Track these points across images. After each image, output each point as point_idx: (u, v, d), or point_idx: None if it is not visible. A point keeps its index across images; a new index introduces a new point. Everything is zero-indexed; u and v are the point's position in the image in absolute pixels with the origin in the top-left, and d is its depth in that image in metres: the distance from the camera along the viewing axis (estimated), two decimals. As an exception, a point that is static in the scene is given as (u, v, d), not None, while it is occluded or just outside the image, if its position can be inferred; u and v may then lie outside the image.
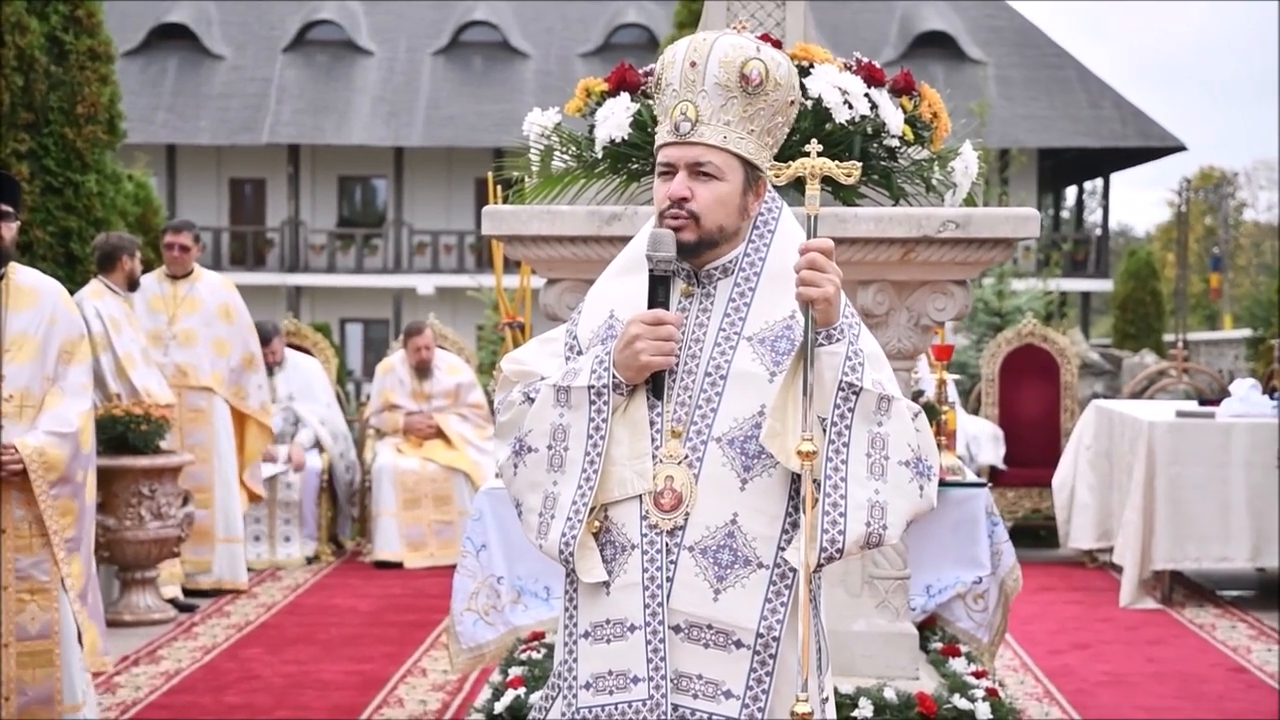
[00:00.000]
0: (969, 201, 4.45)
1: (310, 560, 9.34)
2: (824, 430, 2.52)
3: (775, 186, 2.69)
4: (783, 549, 2.57)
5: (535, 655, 4.53)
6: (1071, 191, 36.57)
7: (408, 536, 9.27)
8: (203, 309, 8.32)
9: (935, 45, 31.02)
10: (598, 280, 2.80)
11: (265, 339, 8.95)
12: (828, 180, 2.58)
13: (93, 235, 8.43)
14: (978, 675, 4.47)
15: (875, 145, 4.30)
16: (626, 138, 4.25)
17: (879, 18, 31.67)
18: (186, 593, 8.02)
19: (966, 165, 4.36)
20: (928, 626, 4.87)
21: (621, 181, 4.40)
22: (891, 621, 4.53)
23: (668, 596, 2.56)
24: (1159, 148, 30.81)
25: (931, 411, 5.41)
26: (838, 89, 4.20)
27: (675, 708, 2.56)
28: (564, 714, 2.64)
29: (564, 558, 2.59)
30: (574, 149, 4.46)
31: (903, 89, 4.45)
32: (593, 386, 2.60)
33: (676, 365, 2.62)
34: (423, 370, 9.71)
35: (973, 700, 4.25)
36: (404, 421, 9.61)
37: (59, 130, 8.68)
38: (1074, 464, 9.11)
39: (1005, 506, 9.80)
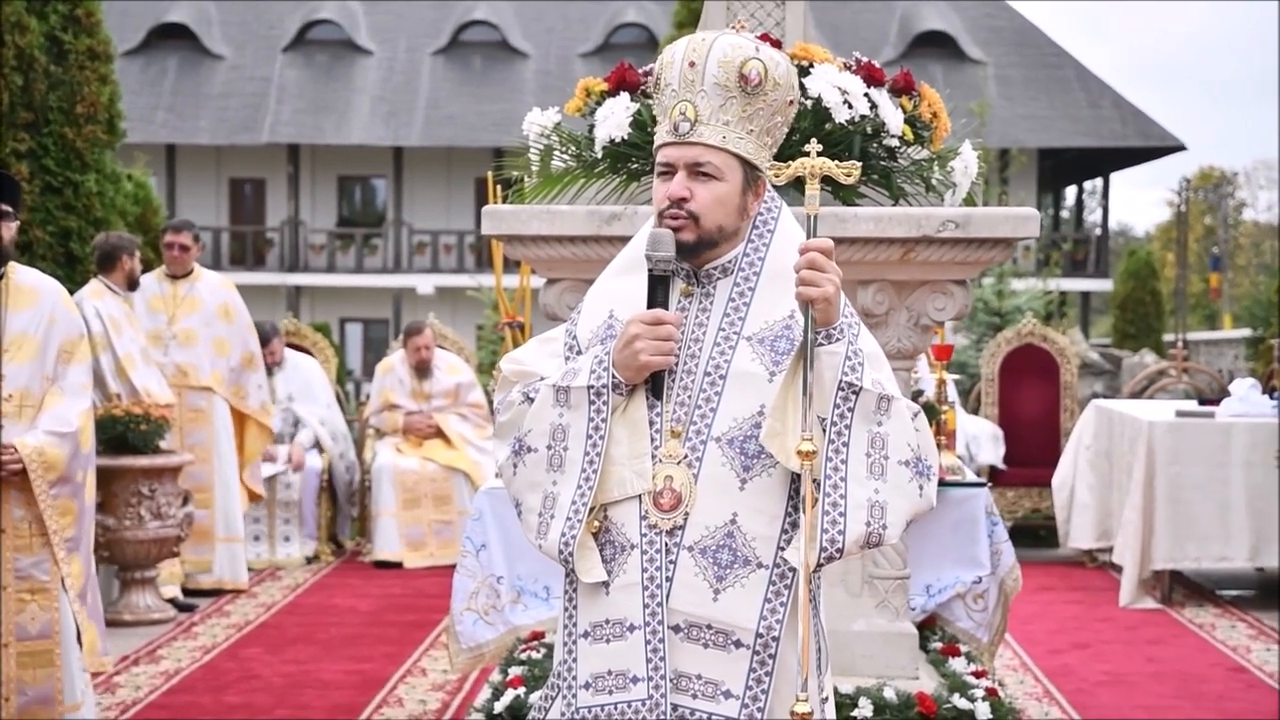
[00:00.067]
0: (969, 201, 4.45)
1: (310, 560, 9.34)
2: (824, 430, 2.52)
3: (775, 186, 2.69)
4: (782, 549, 2.57)
5: (535, 655, 4.53)
6: (1071, 191, 36.58)
7: (407, 536, 9.27)
8: (202, 309, 8.32)
9: (935, 45, 31.03)
10: (597, 280, 2.80)
11: (264, 339, 8.95)
12: (827, 180, 2.58)
13: (92, 235, 8.43)
14: (977, 675, 4.47)
15: (875, 145, 4.30)
16: (626, 137, 4.25)
17: (879, 17, 31.68)
18: (186, 592, 8.02)
19: (966, 165, 4.37)
20: (927, 626, 4.87)
21: (621, 181, 4.40)
22: (891, 621, 4.53)
23: (667, 596, 2.56)
24: (1159, 147, 30.82)
25: (931, 411, 5.41)
26: (837, 89, 4.20)
27: (675, 707, 2.56)
28: (563, 714, 2.64)
29: (563, 558, 2.59)
30: (574, 149, 4.46)
31: (902, 89, 4.46)
32: (592, 386, 2.60)
33: (676, 365, 2.61)
34: (422, 370, 9.71)
35: (972, 700, 4.25)
36: (404, 421, 9.61)
37: (58, 130, 8.68)
38: (1074, 464, 9.11)
39: (1005, 506, 9.80)
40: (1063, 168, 33.36)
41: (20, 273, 4.53)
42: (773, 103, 2.63)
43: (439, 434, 9.59)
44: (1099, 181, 34.64)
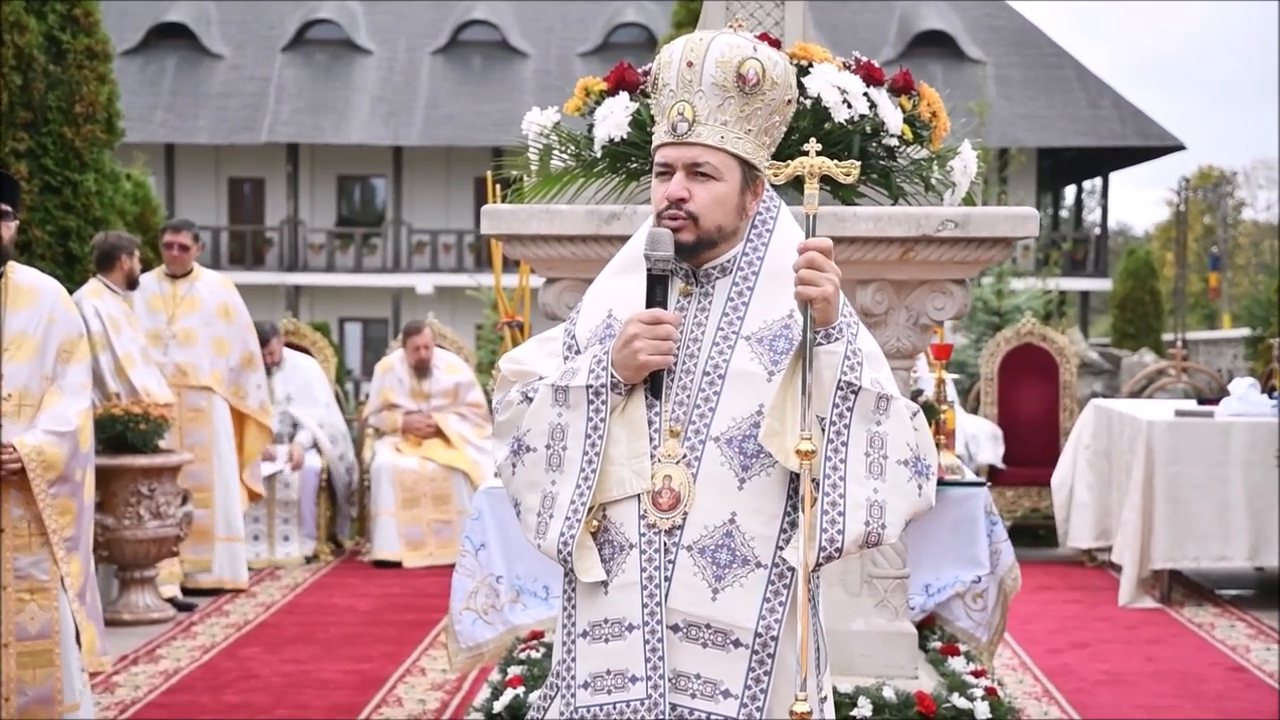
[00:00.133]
0: (968, 201, 4.45)
1: (309, 559, 9.34)
2: (822, 429, 2.52)
3: (774, 186, 2.69)
4: (781, 548, 2.57)
5: (534, 654, 4.53)
6: (1070, 191, 36.59)
7: (406, 536, 9.27)
8: (202, 308, 8.32)
9: (934, 44, 31.03)
10: (596, 280, 2.80)
11: (263, 339, 8.94)
12: (826, 179, 2.58)
13: (91, 234, 8.43)
14: (976, 674, 4.47)
15: (874, 144, 4.30)
16: (625, 137, 4.25)
17: (878, 17, 31.68)
18: (187, 592, 8.02)
19: (965, 164, 4.37)
20: (927, 626, 4.87)
21: (620, 181, 4.40)
22: (890, 621, 4.53)
23: (666, 596, 2.55)
24: (1158, 147, 30.82)
25: (930, 410, 5.41)
26: (836, 88, 4.20)
27: (673, 707, 2.56)
28: (562, 713, 2.64)
29: (562, 557, 2.59)
30: (573, 148, 4.46)
31: (902, 88, 4.46)
32: (591, 386, 2.60)
33: (675, 365, 2.61)
34: (422, 369, 9.70)
35: (971, 699, 4.25)
36: (403, 421, 9.61)
37: (57, 129, 8.68)
38: (1073, 463, 9.11)
39: (1004, 506, 9.80)
40: (1062, 167, 33.37)
41: (19, 272, 4.53)
42: (771, 102, 2.62)
43: (438, 433, 9.59)
44: (1098, 181, 34.66)
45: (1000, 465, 10.04)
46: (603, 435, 2.59)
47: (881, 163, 4.35)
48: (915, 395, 5.52)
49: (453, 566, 4.96)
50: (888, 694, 4.17)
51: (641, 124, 4.21)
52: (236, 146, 30.49)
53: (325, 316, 27.24)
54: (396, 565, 9.14)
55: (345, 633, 7.29)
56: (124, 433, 7.26)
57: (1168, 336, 19.99)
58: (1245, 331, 16.98)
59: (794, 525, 2.56)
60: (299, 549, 9.31)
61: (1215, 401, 8.66)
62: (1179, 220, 28.32)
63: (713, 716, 2.56)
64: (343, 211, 32.75)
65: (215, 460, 8.22)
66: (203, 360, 8.25)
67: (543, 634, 4.67)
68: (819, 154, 2.58)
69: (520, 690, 4.29)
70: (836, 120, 4.18)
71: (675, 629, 2.57)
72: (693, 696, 2.57)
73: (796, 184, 2.61)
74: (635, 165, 4.33)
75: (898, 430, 2.54)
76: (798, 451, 2.49)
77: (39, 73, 8.56)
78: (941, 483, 4.69)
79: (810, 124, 4.12)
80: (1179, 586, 8.31)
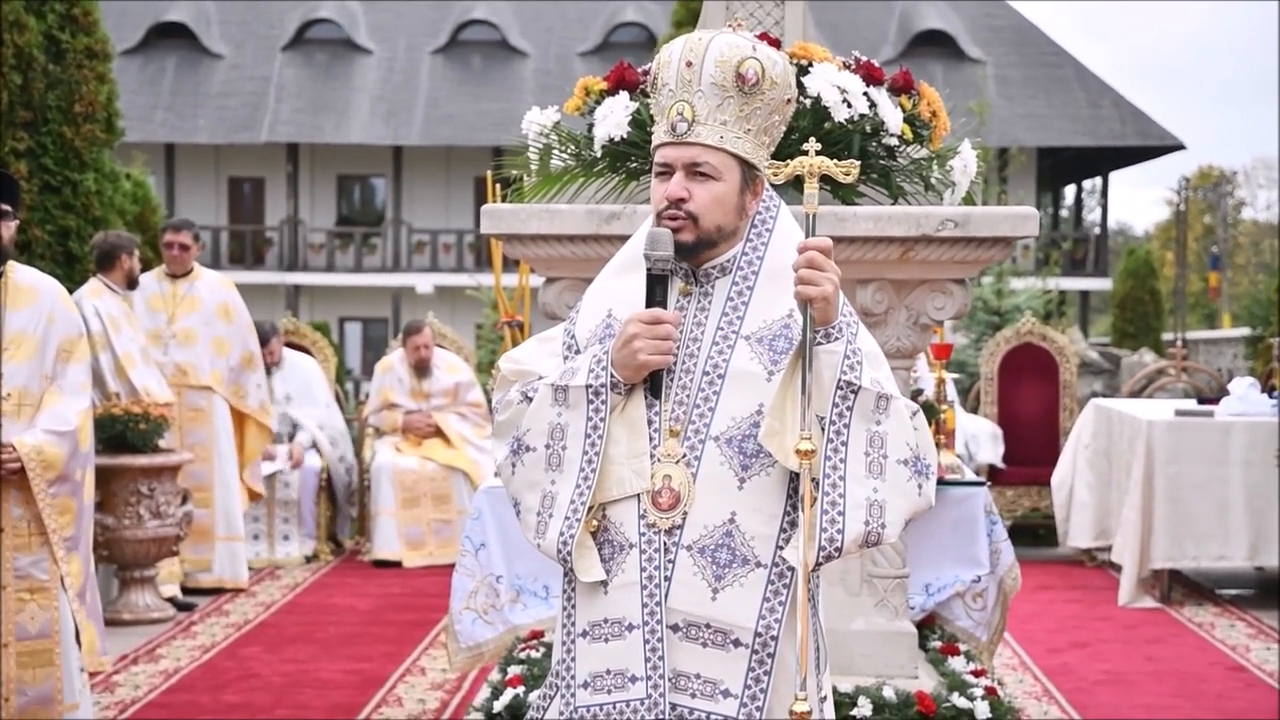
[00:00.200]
0: (968, 200, 4.45)
1: (309, 559, 9.34)
2: (822, 429, 2.52)
3: (773, 185, 2.68)
4: (781, 548, 2.56)
5: (534, 654, 4.53)
6: (1070, 190, 36.59)
7: (406, 535, 9.27)
8: (202, 308, 8.32)
9: (934, 44, 31.03)
10: (596, 279, 2.80)
11: (263, 339, 8.94)
12: (826, 179, 2.58)
13: (91, 234, 8.43)
14: (976, 674, 4.47)
15: (874, 144, 4.30)
16: (625, 136, 4.25)
17: (878, 16, 31.68)
18: (187, 591, 8.02)
19: (965, 164, 4.37)
20: (926, 625, 4.87)
21: (620, 180, 4.40)
22: (890, 620, 4.53)
23: (666, 595, 2.55)
24: (1158, 147, 30.82)
25: (930, 410, 5.41)
26: (836, 88, 4.20)
27: (673, 707, 2.56)
28: (562, 713, 2.64)
29: (562, 557, 2.59)
30: (573, 148, 4.46)
31: (902, 88, 4.46)
32: (591, 386, 2.60)
33: (674, 364, 2.61)
34: (422, 369, 9.70)
35: (971, 699, 4.25)
36: (403, 420, 9.61)
37: (57, 129, 8.68)
38: (1073, 463, 9.11)
39: (1004, 505, 9.80)
40: (1062, 167, 33.37)
41: (19, 272, 4.53)
42: (770, 102, 2.62)
43: (438, 433, 9.58)
44: (1098, 181, 34.66)
45: (1000, 465, 10.04)
46: (602, 435, 2.59)
47: (881, 162, 4.35)
48: (915, 395, 5.52)
49: (453, 566, 4.96)
50: (888, 694, 4.17)
51: (641, 124, 4.21)
52: (236, 146, 30.50)
53: (325, 316, 27.24)
54: (396, 565, 9.14)
55: (345, 632, 7.29)
56: (124, 432, 7.26)
57: (1168, 336, 19.99)
58: (1245, 331, 16.99)
59: (794, 525, 2.56)
60: (299, 549, 9.31)
61: (1215, 401, 8.66)
62: (1179, 220, 28.32)
63: (712, 716, 2.56)
64: (343, 211, 32.76)
65: (215, 460, 8.22)
66: (203, 360, 8.25)
67: (543, 634, 4.67)
68: (819, 153, 2.58)
69: (520, 690, 4.29)
70: (836, 120, 4.18)
71: (675, 629, 2.57)
72: (692, 696, 2.57)
73: (796, 183, 2.60)
74: (635, 165, 4.32)
75: (897, 430, 2.54)
76: (797, 451, 2.48)
77: (38, 72, 8.56)
78: (941, 482, 4.69)
79: (810, 123, 4.12)
80: (1179, 586, 8.31)
